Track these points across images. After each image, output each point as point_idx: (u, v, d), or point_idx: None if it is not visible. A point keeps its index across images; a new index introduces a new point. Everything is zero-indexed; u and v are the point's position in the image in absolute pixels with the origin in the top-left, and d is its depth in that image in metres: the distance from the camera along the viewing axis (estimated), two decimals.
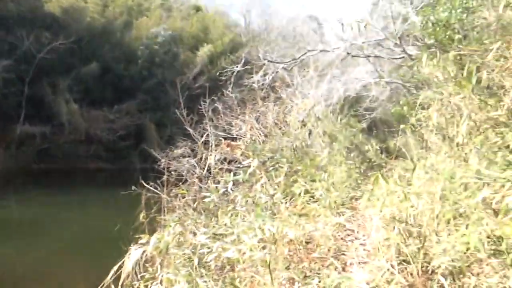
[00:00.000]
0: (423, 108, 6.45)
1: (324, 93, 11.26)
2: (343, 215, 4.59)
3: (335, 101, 11.19)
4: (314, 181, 5.58)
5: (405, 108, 6.18)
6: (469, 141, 4.57)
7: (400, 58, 9.44)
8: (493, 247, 3.58)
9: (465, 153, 4.54)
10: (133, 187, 5.78)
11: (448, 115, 5.36)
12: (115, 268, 4.77)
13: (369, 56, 9.88)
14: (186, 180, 6.91)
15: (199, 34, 34.18)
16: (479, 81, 4.11)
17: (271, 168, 5.84)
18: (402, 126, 6.42)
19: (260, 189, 5.46)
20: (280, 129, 7.84)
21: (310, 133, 8.37)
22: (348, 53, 9.72)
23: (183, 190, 5.60)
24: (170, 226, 4.97)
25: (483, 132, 3.86)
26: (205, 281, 4.00)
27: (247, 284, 3.23)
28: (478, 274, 3.56)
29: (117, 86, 29.09)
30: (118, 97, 29.58)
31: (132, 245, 5.05)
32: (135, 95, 30.17)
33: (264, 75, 10.82)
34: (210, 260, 3.70)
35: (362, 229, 4.30)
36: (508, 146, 3.42)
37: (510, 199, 2.11)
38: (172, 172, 6.56)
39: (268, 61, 10.03)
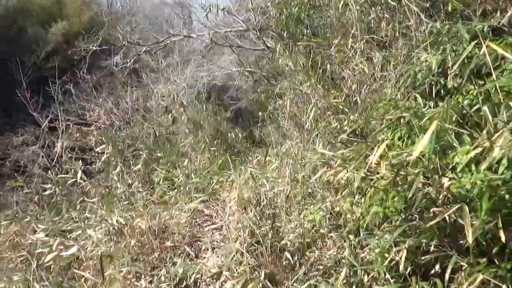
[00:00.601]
0: (280, 98, 6.86)
1: (190, 80, 11.10)
2: (203, 201, 4.55)
3: (200, 88, 11.13)
4: (175, 168, 5.41)
5: (263, 96, 6.46)
6: (315, 126, 5.01)
7: (261, 49, 9.85)
8: (333, 222, 3.98)
9: (312, 138, 4.97)
10: None
11: (300, 103, 5.80)
12: None
13: (232, 46, 10.06)
14: (27, 171, 6.02)
15: (52, 9, 30.06)
16: (324, 71, 4.49)
17: (129, 156, 5.46)
18: (260, 114, 6.71)
19: (117, 179, 5.06)
20: (141, 115, 7.42)
21: (174, 120, 8.13)
22: (212, 41, 9.72)
23: (20, 182, 4.82)
24: (1, 225, 4.24)
25: (327, 118, 4.24)
26: (45, 285, 3.51)
27: (91, 283, 2.91)
28: (321, 248, 3.92)
29: None
30: None
31: None
32: None
33: (125, 57, 10.11)
34: (50, 260, 3.23)
35: (220, 214, 4.33)
36: (345, 131, 3.81)
37: (341, 175, 2.31)
38: (8, 162, 5.62)
39: (129, 42, 9.36)
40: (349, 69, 4.12)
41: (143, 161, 5.09)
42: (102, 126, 6.25)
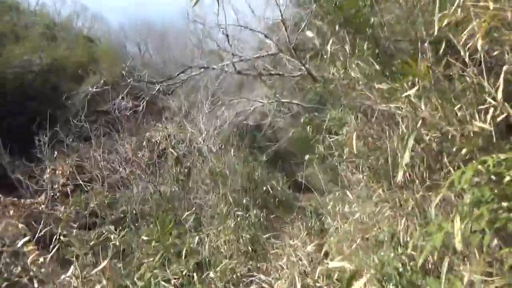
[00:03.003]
0: (331, 133, 4.64)
1: (215, 121, 9.18)
2: None
3: (228, 131, 9.16)
4: (169, 261, 3.22)
5: (309, 129, 4.26)
6: (417, 178, 2.71)
7: (298, 76, 7.77)
8: None
9: (416, 200, 2.64)
10: None
11: (374, 135, 3.53)
12: None
13: (262, 75, 8.07)
14: None
15: (86, 65, 30.29)
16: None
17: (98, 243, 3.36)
18: (307, 157, 4.48)
19: None
20: (142, 169, 5.41)
21: (189, 173, 6.07)
22: (237, 71, 7.79)
23: None
24: None
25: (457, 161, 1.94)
26: None
27: None
28: None
29: None
30: None
31: None
32: None
33: (137, 98, 8.42)
34: None
35: None
36: None
37: None
38: None
39: (135, 80, 7.64)
40: None
41: (112, 255, 2.96)
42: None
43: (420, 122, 2.12)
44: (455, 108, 2.05)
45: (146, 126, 7.31)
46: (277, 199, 7.93)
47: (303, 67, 6.94)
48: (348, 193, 4.07)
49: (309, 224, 5.18)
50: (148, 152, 5.52)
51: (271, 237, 4.87)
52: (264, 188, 7.76)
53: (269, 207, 7.62)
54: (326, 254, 4.44)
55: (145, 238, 3.27)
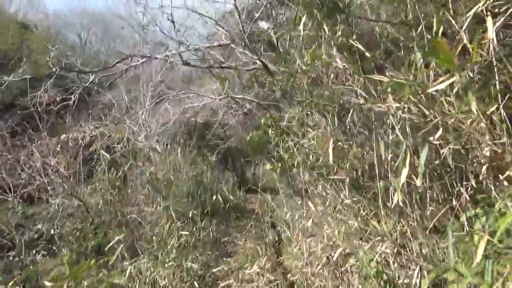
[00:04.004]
0: (292, 133, 3.97)
1: (158, 117, 8.27)
2: None
3: (172, 129, 8.28)
4: None
5: (270, 131, 3.55)
6: (417, 204, 2.06)
7: (252, 69, 7.06)
8: None
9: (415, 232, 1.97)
10: None
11: (347, 144, 2.87)
12: None
13: (212, 67, 7.26)
14: None
15: (17, 53, 27.70)
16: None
17: None
18: (268, 166, 3.76)
19: None
20: (64, 177, 4.41)
21: (125, 180, 5.13)
22: (184, 62, 6.90)
23: None
24: None
25: None
26: None
27: None
28: None
29: None
30: None
31: None
32: None
33: (67, 90, 7.28)
34: None
35: None
36: None
37: None
38: None
39: (65, 69, 6.50)
40: None
41: None
42: None
43: (440, 129, 1.48)
44: (488, 112, 1.43)
45: (74, 123, 6.21)
46: (228, 205, 7.16)
47: (257, 61, 6.25)
48: (310, 204, 3.45)
49: (266, 240, 4.52)
50: (72, 155, 4.51)
51: (222, 256, 4.14)
52: (214, 193, 7.00)
53: (220, 213, 6.88)
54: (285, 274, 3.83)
55: (48, 284, 2.35)
